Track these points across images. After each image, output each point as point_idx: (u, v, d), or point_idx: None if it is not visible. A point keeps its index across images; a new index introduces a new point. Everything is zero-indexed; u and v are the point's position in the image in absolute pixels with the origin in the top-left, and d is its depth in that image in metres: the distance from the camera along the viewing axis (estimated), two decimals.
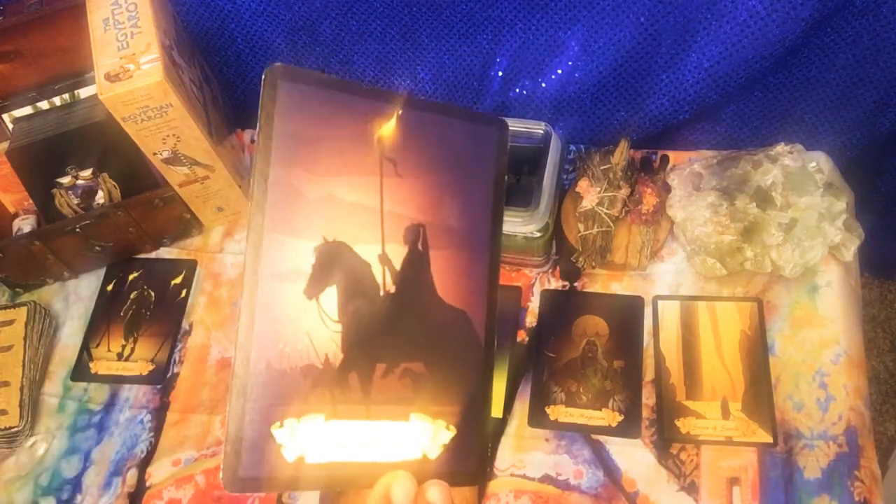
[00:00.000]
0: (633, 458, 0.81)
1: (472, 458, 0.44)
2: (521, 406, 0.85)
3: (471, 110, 0.47)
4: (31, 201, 1.01)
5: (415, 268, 0.43)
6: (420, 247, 0.44)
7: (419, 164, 0.44)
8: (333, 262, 0.41)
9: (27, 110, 0.99)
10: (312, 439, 0.39)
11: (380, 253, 0.42)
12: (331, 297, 0.41)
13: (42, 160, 0.95)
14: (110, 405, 0.93)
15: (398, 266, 0.43)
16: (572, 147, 1.02)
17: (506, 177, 0.48)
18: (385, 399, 0.41)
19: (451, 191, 0.45)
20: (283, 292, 0.39)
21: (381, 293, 0.42)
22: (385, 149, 0.42)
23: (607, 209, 0.90)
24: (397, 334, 0.43)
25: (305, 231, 0.40)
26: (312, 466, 0.39)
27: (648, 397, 0.84)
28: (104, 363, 0.96)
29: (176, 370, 0.94)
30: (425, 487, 0.40)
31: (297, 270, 0.40)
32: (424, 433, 0.42)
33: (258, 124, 0.39)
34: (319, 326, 0.40)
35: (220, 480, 0.37)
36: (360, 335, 0.41)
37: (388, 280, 0.43)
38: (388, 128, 0.42)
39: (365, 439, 0.40)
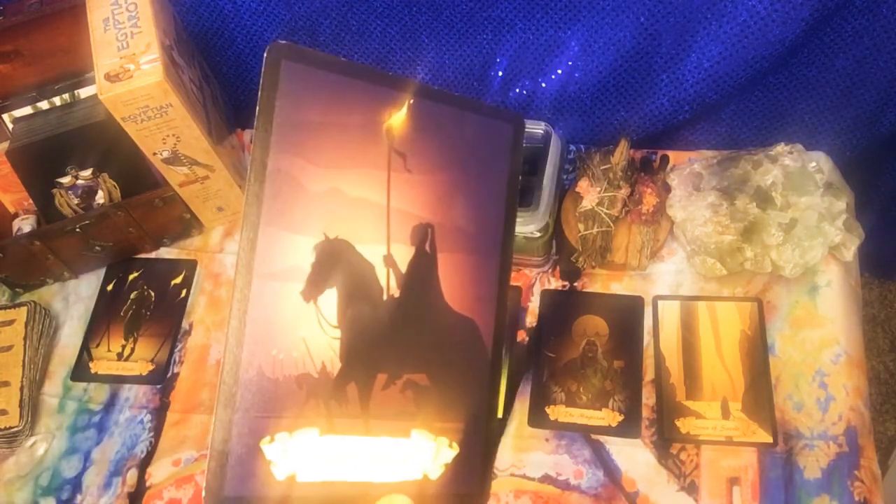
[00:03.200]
0: (633, 458, 0.81)
1: (474, 478, 0.41)
2: (521, 406, 0.85)
3: (486, 104, 0.44)
4: (31, 201, 1.01)
5: (421, 271, 0.40)
6: (428, 248, 0.41)
7: (430, 159, 0.40)
8: (334, 261, 0.37)
9: (27, 110, 0.99)
10: (305, 456, 0.36)
11: (385, 254, 0.39)
12: (330, 299, 0.38)
13: (42, 160, 0.95)
14: (110, 405, 0.93)
15: (404, 268, 0.40)
16: (572, 147, 1.02)
17: (520, 175, 0.44)
18: (385, 413, 0.38)
19: (462, 189, 0.42)
20: (278, 292, 0.36)
21: (385, 297, 0.39)
22: (395, 141, 0.39)
23: (607, 209, 0.90)
24: (400, 343, 0.40)
25: (305, 226, 0.37)
26: (304, 486, 0.36)
27: (648, 397, 0.84)
28: (104, 363, 0.96)
29: (176, 370, 0.94)
30: None
31: (294, 269, 0.37)
32: (426, 451, 0.39)
33: (258, 106, 0.36)
34: (317, 332, 0.37)
35: (203, 500, 0.34)
36: (360, 342, 0.38)
37: (393, 283, 0.39)
38: (398, 118, 0.39)
39: (362, 456, 0.37)
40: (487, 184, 0.43)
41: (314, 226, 0.37)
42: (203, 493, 0.34)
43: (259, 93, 0.36)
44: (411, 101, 0.39)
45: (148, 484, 0.86)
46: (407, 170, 0.40)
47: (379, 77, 0.39)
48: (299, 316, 0.37)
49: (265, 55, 0.36)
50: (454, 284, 0.41)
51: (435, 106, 0.41)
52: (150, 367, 0.95)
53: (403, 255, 0.40)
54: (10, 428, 0.89)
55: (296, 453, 0.36)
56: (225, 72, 1.07)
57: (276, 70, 0.36)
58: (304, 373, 0.36)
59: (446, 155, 0.41)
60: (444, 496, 0.39)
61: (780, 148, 0.91)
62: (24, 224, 1.02)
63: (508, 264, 0.44)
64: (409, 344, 0.40)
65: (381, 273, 0.39)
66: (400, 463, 0.38)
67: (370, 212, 0.39)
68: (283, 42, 0.36)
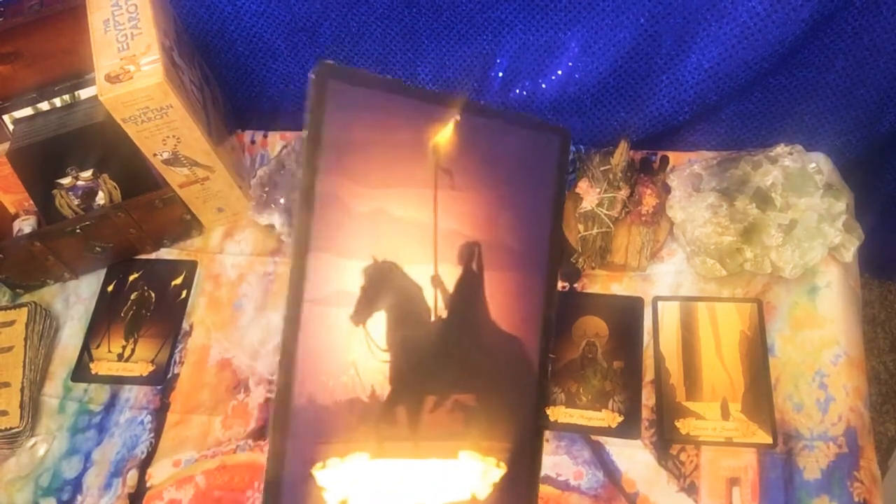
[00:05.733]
0: (633, 458, 0.81)
1: (521, 495, 0.40)
2: None
3: (532, 116, 0.43)
4: (31, 202, 1.01)
5: (469, 290, 0.39)
6: (475, 267, 0.40)
7: (476, 175, 0.39)
8: (383, 284, 0.37)
9: (28, 111, 0.99)
10: (356, 481, 0.35)
11: (433, 274, 0.38)
12: (379, 322, 0.37)
13: (42, 161, 0.95)
14: (111, 406, 0.93)
15: (451, 289, 0.39)
16: (572, 148, 1.02)
17: (566, 189, 0.43)
18: (434, 435, 0.38)
19: (509, 205, 0.41)
20: (328, 318, 0.35)
21: (433, 318, 0.39)
22: (441, 158, 0.38)
23: (607, 210, 0.90)
24: (448, 364, 0.39)
25: (354, 250, 0.36)
26: None
27: (648, 398, 0.84)
28: (104, 364, 0.96)
29: (176, 371, 0.94)
30: None
31: (343, 293, 0.36)
32: (474, 472, 0.38)
33: (305, 129, 0.35)
34: (366, 356, 0.36)
35: None
36: (409, 365, 0.37)
37: (441, 304, 0.39)
38: (444, 135, 0.38)
39: (412, 479, 0.37)
40: (534, 199, 0.42)
41: (362, 249, 0.37)
42: None
43: (306, 115, 0.35)
44: (457, 118, 0.38)
45: (148, 485, 0.86)
46: (453, 187, 0.39)
47: (424, 94, 0.40)
48: (349, 340, 0.36)
49: (311, 76, 0.35)
50: (501, 303, 0.40)
51: (481, 121, 0.40)
52: (151, 368, 0.95)
53: (451, 275, 0.39)
54: (11, 429, 0.89)
55: (347, 478, 0.35)
56: (225, 73, 1.07)
57: (324, 91, 0.35)
58: (355, 397, 0.36)
59: (492, 171, 0.40)
60: None
61: (780, 149, 0.91)
62: (25, 225, 1.02)
63: (554, 280, 0.44)
64: (456, 365, 0.40)
65: (429, 294, 0.39)
66: (449, 484, 0.38)
67: (417, 232, 0.38)
68: (330, 62, 0.35)
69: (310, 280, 0.35)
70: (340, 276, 0.36)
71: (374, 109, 0.37)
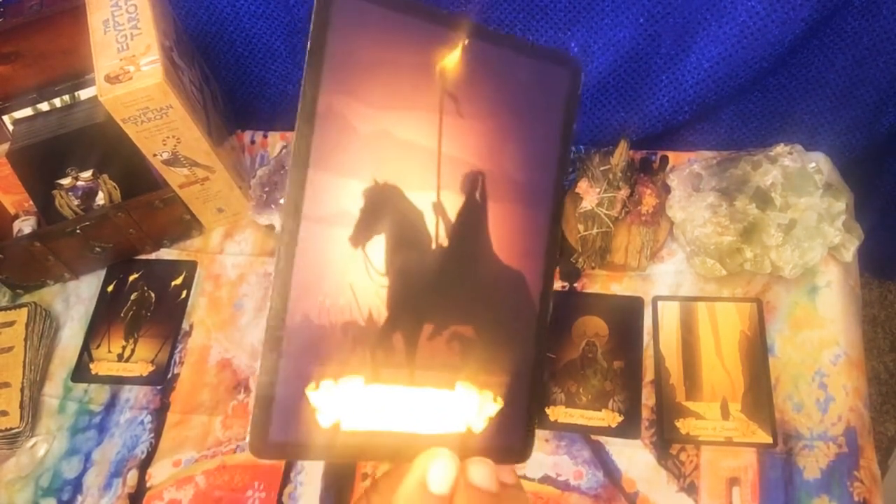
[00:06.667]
0: (633, 458, 0.81)
1: (517, 433, 0.39)
2: None
3: (542, 46, 0.41)
4: (31, 202, 1.01)
5: (471, 220, 0.39)
6: (478, 197, 0.39)
7: (483, 103, 0.38)
8: (383, 207, 0.36)
9: (27, 112, 0.99)
10: (350, 404, 0.35)
11: (434, 201, 0.37)
12: (378, 246, 0.36)
13: (42, 161, 0.95)
14: (111, 406, 0.93)
15: (453, 217, 0.38)
16: (572, 148, 1.02)
17: (574, 125, 0.41)
18: (430, 364, 0.37)
19: (515, 136, 0.40)
20: (326, 237, 0.35)
21: (433, 246, 0.38)
22: (448, 83, 0.37)
23: (607, 210, 0.90)
24: (447, 293, 0.38)
25: (355, 170, 0.35)
26: (348, 434, 0.35)
27: (648, 398, 0.84)
28: (104, 364, 0.96)
29: (176, 371, 0.94)
30: (468, 466, 0.36)
31: (343, 214, 0.35)
32: (470, 404, 0.38)
33: (308, 41, 0.34)
34: (364, 279, 0.36)
35: (247, 445, 0.34)
36: (407, 291, 0.37)
37: (442, 232, 0.38)
38: (453, 58, 0.37)
39: (406, 407, 0.36)
40: (541, 131, 0.41)
41: (363, 169, 0.35)
42: (247, 438, 0.33)
43: (310, 27, 0.34)
44: (466, 42, 0.37)
45: (148, 485, 0.86)
46: (459, 114, 0.38)
47: (433, 15, 0.37)
48: (347, 262, 0.35)
49: None
50: (503, 236, 0.39)
51: (490, 47, 0.39)
52: (151, 368, 0.95)
53: (453, 203, 0.38)
54: (11, 429, 0.89)
55: (341, 401, 0.34)
56: (224, 74, 1.07)
57: (329, 3, 0.34)
58: (351, 320, 0.35)
59: (500, 99, 0.39)
60: (486, 450, 0.38)
61: (780, 148, 0.91)
62: (25, 225, 1.02)
63: (559, 218, 0.41)
64: (456, 295, 0.39)
65: (430, 221, 0.37)
66: (444, 415, 0.37)
67: (420, 156, 0.37)
68: None
69: (308, 197, 0.34)
70: (340, 195, 0.35)
71: (381, 27, 0.35)
